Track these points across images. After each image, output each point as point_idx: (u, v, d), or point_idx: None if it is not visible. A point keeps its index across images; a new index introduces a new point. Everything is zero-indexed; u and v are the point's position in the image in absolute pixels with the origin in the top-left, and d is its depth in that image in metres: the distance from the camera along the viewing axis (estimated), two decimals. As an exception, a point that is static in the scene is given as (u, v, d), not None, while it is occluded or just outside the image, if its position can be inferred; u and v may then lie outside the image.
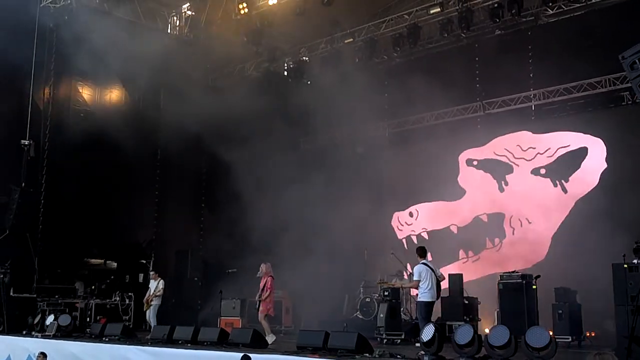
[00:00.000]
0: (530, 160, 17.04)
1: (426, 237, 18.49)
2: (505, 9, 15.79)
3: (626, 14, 15.06)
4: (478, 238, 17.60)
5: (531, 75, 17.05)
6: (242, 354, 9.48)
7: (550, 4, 15.72)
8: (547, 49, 16.65)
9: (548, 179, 16.67)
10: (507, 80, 16.84)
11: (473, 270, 17.19)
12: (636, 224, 13.05)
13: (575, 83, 16.31)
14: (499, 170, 17.58)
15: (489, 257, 17.23)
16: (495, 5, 15.96)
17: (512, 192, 17.27)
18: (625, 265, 10.70)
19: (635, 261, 10.47)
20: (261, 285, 13.65)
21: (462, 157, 18.21)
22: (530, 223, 16.80)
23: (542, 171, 16.80)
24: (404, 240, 19.08)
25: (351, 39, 18.46)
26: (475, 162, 18.07)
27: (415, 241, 18.58)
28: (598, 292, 12.98)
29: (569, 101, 16.61)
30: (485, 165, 17.84)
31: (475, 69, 18.06)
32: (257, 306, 13.58)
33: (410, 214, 18.97)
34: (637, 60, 8.94)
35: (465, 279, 15.27)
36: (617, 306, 11.03)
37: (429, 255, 12.73)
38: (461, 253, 17.84)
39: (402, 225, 19.17)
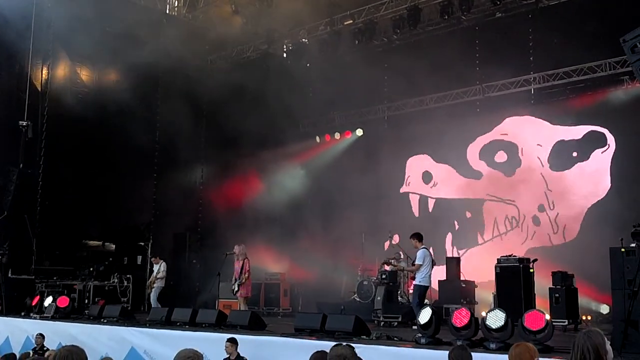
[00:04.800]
0: (536, 145, 17.00)
1: (432, 205, 18.63)
2: (506, -9, 15.69)
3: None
4: (486, 223, 17.61)
5: (531, 58, 16.98)
6: (229, 336, 9.58)
7: (551, -13, 15.63)
8: (548, 33, 16.55)
9: (554, 164, 16.64)
10: (507, 63, 16.76)
11: (483, 254, 17.24)
12: (637, 208, 13.04)
13: (576, 67, 16.22)
14: (504, 155, 17.52)
15: (496, 243, 17.21)
16: (496, -13, 15.85)
17: (518, 176, 17.22)
18: (623, 249, 10.69)
19: (632, 245, 10.45)
20: (237, 267, 13.73)
21: (464, 141, 18.15)
22: (536, 209, 16.80)
23: (549, 155, 16.77)
24: (411, 196, 19.11)
25: (351, 21, 18.32)
26: (478, 147, 18.01)
27: (430, 207, 18.61)
28: (595, 276, 13.06)
29: (568, 85, 16.54)
30: (490, 150, 17.78)
31: (475, 52, 17.97)
32: (235, 290, 13.63)
33: (428, 177, 18.99)
34: (638, 44, 8.84)
35: (476, 263, 15.38)
36: (614, 290, 11.05)
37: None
38: (471, 237, 17.87)
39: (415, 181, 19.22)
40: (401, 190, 19.34)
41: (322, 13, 18.61)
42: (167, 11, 20.38)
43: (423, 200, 18.98)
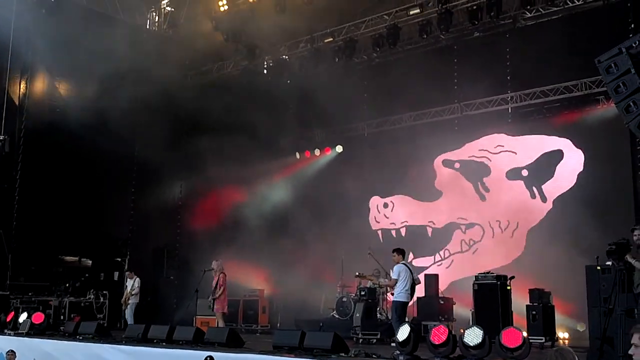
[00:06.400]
0: (507, 162, 17.18)
1: (404, 233, 18.60)
2: (484, 11, 15.90)
3: (602, 18, 15.25)
4: (454, 239, 17.71)
5: (508, 77, 17.18)
6: (207, 354, 9.49)
7: (529, 7, 15.87)
8: (525, 52, 16.78)
9: (525, 182, 16.80)
10: (484, 82, 16.95)
11: (449, 271, 17.36)
12: (611, 227, 13.19)
13: (552, 86, 16.46)
14: (475, 172, 17.68)
15: (464, 259, 17.33)
16: (474, 7, 16.05)
17: (488, 194, 17.38)
18: (598, 268, 10.82)
19: (608, 263, 10.57)
20: (214, 283, 13.74)
21: (439, 159, 18.28)
22: (506, 225, 16.94)
23: (519, 174, 16.93)
24: (379, 232, 19.13)
25: (331, 39, 18.45)
26: (451, 164, 18.15)
27: (394, 234, 18.63)
28: (572, 293, 13.18)
29: (545, 104, 16.76)
30: (462, 167, 17.92)
31: (453, 70, 18.16)
32: (211, 305, 13.65)
33: (385, 205, 19.03)
34: (612, 65, 9.02)
35: (441, 280, 15.44)
36: (590, 308, 11.18)
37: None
38: (437, 254, 17.93)
39: (379, 214, 19.24)
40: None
41: (303, 30, 18.72)
42: (147, 26, 20.36)
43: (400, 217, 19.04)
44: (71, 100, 18.55)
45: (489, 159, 17.52)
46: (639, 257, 9.04)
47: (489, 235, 17.22)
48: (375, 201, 19.38)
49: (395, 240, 18.31)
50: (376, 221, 19.31)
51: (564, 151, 16.28)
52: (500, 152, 17.31)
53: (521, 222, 16.68)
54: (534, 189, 16.62)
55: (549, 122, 16.76)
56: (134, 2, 19.57)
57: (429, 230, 18.25)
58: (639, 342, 3.56)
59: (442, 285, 15.70)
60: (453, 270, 17.54)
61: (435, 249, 18.02)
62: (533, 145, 16.81)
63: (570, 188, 16.02)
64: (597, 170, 15.65)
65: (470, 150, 17.88)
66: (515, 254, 16.54)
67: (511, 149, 17.13)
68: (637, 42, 8.96)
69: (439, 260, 17.88)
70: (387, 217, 19.03)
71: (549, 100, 16.63)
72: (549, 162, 16.46)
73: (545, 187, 16.49)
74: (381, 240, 18.80)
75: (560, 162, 16.30)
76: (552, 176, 16.39)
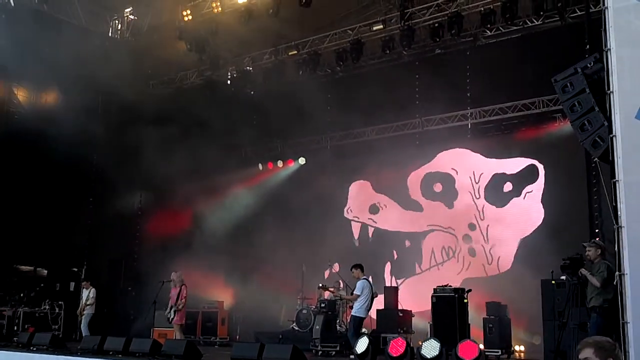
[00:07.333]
0: (473, 177, 17.40)
1: (377, 233, 18.77)
2: (446, 29, 16.19)
3: (560, 38, 15.64)
4: (424, 253, 17.88)
5: (468, 94, 17.46)
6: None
7: (489, 26, 16.21)
8: (485, 70, 17.08)
9: (489, 196, 17.03)
10: (445, 98, 17.18)
11: (409, 286, 17.49)
12: (566, 243, 13.47)
13: (510, 103, 16.80)
14: (443, 186, 17.87)
15: (433, 273, 17.44)
16: (436, 25, 16.34)
17: (454, 208, 17.56)
18: (553, 282, 11.08)
19: (562, 278, 10.83)
20: (173, 293, 13.64)
21: (408, 173, 18.43)
22: (467, 241, 17.17)
23: (484, 188, 17.18)
24: (352, 224, 19.25)
25: (295, 51, 18.56)
26: (420, 179, 18.31)
27: (370, 236, 18.78)
28: (528, 307, 13.42)
29: (503, 121, 17.09)
30: (430, 182, 18.09)
31: (415, 86, 18.37)
32: (170, 317, 13.48)
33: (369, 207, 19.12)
34: (568, 84, 9.28)
35: (413, 292, 15.60)
36: (545, 321, 11.44)
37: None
38: (409, 267, 18.06)
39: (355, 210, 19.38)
40: (344, 216, 19.47)
41: (268, 42, 18.78)
42: (110, 34, 20.15)
43: (364, 228, 19.14)
44: (30, 107, 18.24)
45: (453, 173, 17.72)
46: (591, 272, 9.27)
47: (452, 249, 17.40)
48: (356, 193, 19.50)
49: (367, 242, 18.79)
50: (348, 213, 19.51)
51: (527, 168, 16.53)
52: (465, 167, 17.51)
53: (486, 236, 16.92)
54: (498, 204, 16.84)
55: (507, 138, 17.09)
56: (97, 10, 19.39)
57: (402, 241, 18.35)
58: (592, 356, 3.64)
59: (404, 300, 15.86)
60: (412, 284, 17.69)
61: (406, 262, 18.11)
62: (492, 162, 17.09)
63: (528, 204, 16.30)
64: (553, 187, 15.98)
65: (436, 165, 18.06)
66: (475, 268, 16.76)
67: (476, 165, 17.35)
68: (592, 63, 9.25)
69: (411, 274, 18.00)
70: (365, 213, 19.17)
71: (507, 117, 16.96)
72: (515, 178, 16.70)
73: (509, 202, 16.71)
74: (352, 236, 19.12)
75: (518, 179, 16.59)
76: (510, 192, 16.66)
